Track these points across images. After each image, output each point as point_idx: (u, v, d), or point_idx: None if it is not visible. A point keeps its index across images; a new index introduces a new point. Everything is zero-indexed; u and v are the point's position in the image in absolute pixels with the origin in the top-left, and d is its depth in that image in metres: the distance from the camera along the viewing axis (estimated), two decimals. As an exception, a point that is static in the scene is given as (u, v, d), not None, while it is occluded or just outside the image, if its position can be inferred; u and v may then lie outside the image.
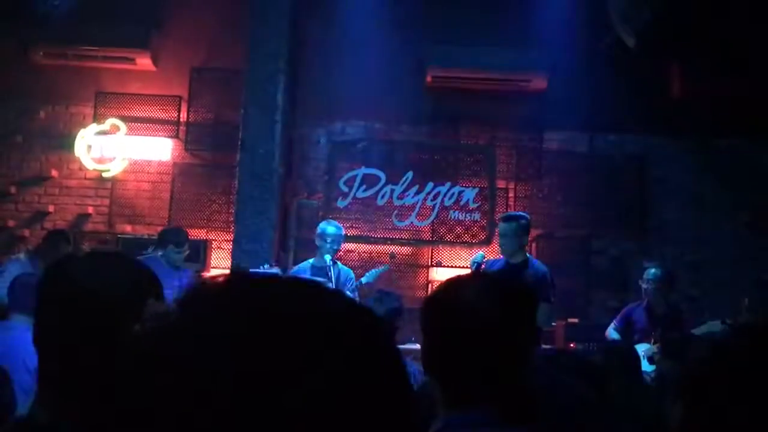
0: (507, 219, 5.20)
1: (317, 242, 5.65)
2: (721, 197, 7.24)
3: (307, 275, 5.36)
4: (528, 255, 5.20)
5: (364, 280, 5.69)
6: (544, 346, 4.86)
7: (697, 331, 4.97)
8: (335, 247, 5.60)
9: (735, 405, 1.33)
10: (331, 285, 5.28)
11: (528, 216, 5.28)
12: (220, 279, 0.58)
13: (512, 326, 1.39)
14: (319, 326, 0.54)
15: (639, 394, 3.07)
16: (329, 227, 5.67)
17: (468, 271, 5.20)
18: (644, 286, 5.56)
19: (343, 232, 5.79)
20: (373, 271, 5.85)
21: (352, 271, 5.79)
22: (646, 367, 4.75)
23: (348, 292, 5.28)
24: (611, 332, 5.56)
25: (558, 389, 1.79)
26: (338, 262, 5.73)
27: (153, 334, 0.56)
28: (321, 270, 5.47)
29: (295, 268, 5.98)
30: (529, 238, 7.10)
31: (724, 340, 1.55)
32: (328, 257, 5.51)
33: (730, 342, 1.49)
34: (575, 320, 6.39)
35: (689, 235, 7.27)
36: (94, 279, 1.25)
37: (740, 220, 7.19)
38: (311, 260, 5.75)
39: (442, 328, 1.41)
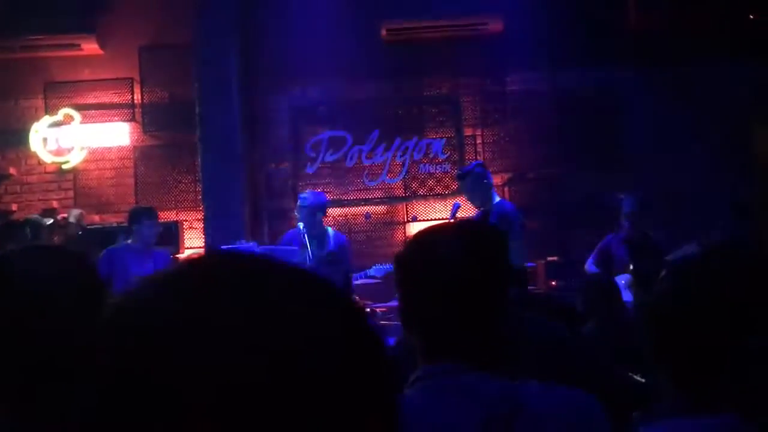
0: (459, 178, 5.28)
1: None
2: (689, 123, 7.22)
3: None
4: (495, 198, 5.12)
5: (371, 272, 5.68)
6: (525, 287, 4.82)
7: (672, 257, 4.98)
8: (297, 215, 5.57)
9: (697, 327, 1.30)
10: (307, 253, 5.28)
11: (480, 162, 5.26)
12: (195, 260, 0.54)
13: (484, 272, 1.36)
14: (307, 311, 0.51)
15: (618, 325, 3.07)
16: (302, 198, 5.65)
17: (446, 221, 5.16)
18: (621, 217, 5.59)
19: (307, 203, 5.64)
20: (382, 267, 5.76)
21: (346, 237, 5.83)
22: (627, 297, 4.76)
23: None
24: (590, 266, 5.59)
25: (530, 329, 1.76)
26: (329, 229, 5.70)
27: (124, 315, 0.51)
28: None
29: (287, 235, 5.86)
30: (501, 182, 7.19)
31: (682, 265, 1.52)
32: (300, 224, 5.49)
33: (687, 267, 1.46)
34: (555, 258, 6.40)
35: (660, 163, 7.27)
36: (24, 276, 1.19)
37: (710, 144, 7.19)
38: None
39: (415, 281, 1.39)
